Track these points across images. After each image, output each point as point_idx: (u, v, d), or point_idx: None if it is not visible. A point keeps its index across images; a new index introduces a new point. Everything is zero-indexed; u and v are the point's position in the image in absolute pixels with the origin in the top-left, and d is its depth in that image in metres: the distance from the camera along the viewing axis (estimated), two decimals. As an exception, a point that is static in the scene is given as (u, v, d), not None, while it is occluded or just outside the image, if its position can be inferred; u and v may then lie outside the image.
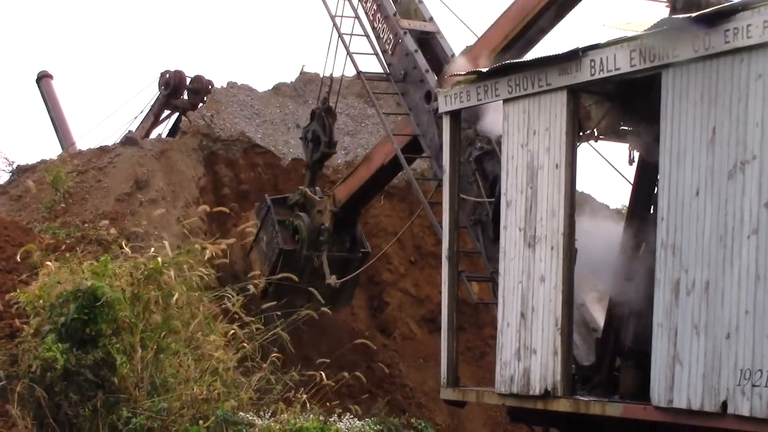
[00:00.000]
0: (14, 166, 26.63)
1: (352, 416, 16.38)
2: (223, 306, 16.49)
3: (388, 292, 25.74)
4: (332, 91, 20.59)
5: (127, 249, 16.04)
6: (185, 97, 29.35)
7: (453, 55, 18.65)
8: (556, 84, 12.99)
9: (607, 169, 14.96)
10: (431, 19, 19.45)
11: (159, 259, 15.15)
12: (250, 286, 18.07)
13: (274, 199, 21.97)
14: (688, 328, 11.29)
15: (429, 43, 19.06)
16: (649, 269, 12.26)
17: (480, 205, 16.19)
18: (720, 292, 11.04)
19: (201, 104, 27.93)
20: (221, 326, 16.00)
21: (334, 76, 20.35)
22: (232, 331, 16.01)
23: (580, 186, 13.63)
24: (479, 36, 17.22)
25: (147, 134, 29.03)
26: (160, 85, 29.58)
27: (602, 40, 12.54)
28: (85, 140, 31.90)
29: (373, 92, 19.22)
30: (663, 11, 13.08)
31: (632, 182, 13.68)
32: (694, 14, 11.32)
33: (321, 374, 16.63)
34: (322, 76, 20.92)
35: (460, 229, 15.24)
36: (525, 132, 13.40)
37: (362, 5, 20.01)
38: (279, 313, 17.25)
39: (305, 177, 21.60)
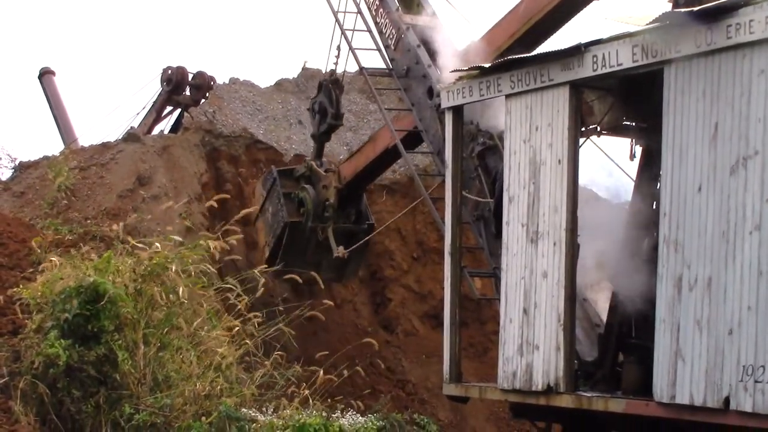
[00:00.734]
0: (17, 162, 26.63)
1: (354, 412, 16.38)
2: (226, 300, 16.48)
3: (391, 289, 25.74)
4: (339, 63, 20.52)
5: (136, 243, 16.02)
6: (187, 93, 29.29)
7: (455, 50, 18.64)
8: (559, 79, 12.97)
9: (609, 165, 14.95)
10: (434, 13, 19.43)
11: (161, 251, 15.15)
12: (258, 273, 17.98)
13: (281, 170, 22.05)
14: (691, 323, 11.28)
15: (432, 38, 19.03)
16: (651, 265, 12.25)
17: (482, 200, 16.18)
18: (722, 288, 11.02)
19: (203, 100, 27.89)
20: (224, 321, 16.00)
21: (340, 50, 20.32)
22: (236, 328, 16.01)
23: (582, 181, 13.61)
24: (484, 33, 17.17)
25: (149, 130, 28.99)
26: (162, 81, 29.52)
27: (604, 35, 12.53)
28: (87, 136, 31.83)
29: (375, 88, 19.21)
30: (665, 5, 13.06)
31: (635, 177, 13.67)
32: (695, 9, 11.30)
33: (320, 371, 16.61)
34: (328, 50, 20.91)
35: (462, 224, 15.23)
36: (527, 127, 13.39)
37: (364, 0, 20.00)
38: (281, 308, 17.25)
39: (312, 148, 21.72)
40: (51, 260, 15.45)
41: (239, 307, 16.35)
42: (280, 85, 28.05)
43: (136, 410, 14.20)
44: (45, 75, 33.33)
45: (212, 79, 28.77)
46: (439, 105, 16.08)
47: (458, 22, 19.40)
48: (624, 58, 12.16)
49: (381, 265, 25.80)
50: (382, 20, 19.28)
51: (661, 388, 11.58)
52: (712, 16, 11.11)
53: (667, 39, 11.59)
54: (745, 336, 10.77)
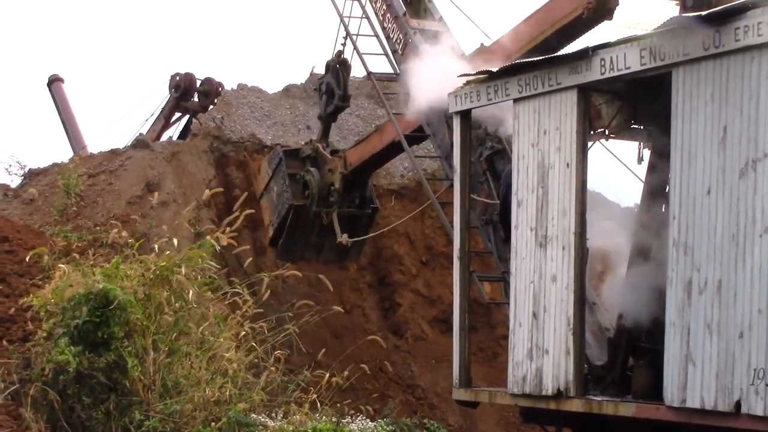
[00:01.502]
0: (26, 169, 26.69)
1: (364, 417, 16.37)
2: (234, 304, 16.47)
3: (400, 293, 25.75)
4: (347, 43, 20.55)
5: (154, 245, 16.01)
6: (196, 99, 29.37)
7: (462, 54, 18.63)
8: (567, 83, 12.96)
9: (618, 168, 14.94)
10: (441, 18, 19.43)
11: (168, 254, 15.17)
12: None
13: (287, 151, 22.09)
14: (701, 327, 11.26)
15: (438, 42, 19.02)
16: (660, 268, 12.24)
17: (491, 204, 16.19)
18: (732, 291, 11.00)
19: (211, 106, 27.94)
20: (232, 325, 16.00)
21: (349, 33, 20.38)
22: (244, 333, 16.01)
23: (591, 185, 13.60)
24: (496, 39, 17.11)
25: (158, 137, 29.05)
26: (170, 88, 29.60)
27: (612, 39, 12.52)
28: (96, 143, 31.94)
29: (383, 92, 19.21)
30: (673, 9, 13.06)
31: (643, 181, 13.66)
32: (704, 13, 11.29)
33: (326, 374, 16.58)
34: (337, 30, 20.96)
35: (471, 229, 15.22)
36: (535, 131, 13.38)
37: (372, 5, 20.01)
38: (291, 314, 17.24)
39: (318, 129, 21.77)
40: (60, 267, 15.46)
41: (245, 310, 16.33)
42: (288, 90, 28.08)
43: (146, 416, 14.20)
44: (54, 82, 33.40)
45: (220, 85, 28.83)
46: (447, 109, 16.07)
47: (466, 27, 19.42)
48: (632, 62, 12.15)
49: (390, 270, 25.82)
50: (389, 25, 19.30)
51: (671, 392, 11.56)
52: (721, 19, 11.10)
53: (675, 42, 11.58)
54: (756, 339, 10.74)
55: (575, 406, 12.82)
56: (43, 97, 34.98)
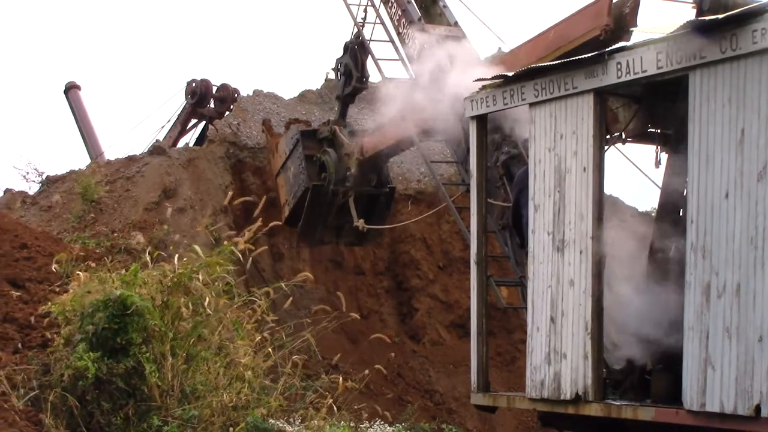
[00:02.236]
0: (44, 176, 26.79)
1: (382, 422, 16.38)
2: (252, 311, 16.50)
3: (417, 298, 25.76)
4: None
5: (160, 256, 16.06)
6: (212, 105, 29.44)
7: (479, 59, 18.63)
8: (583, 87, 12.94)
9: (634, 172, 14.91)
10: (456, 23, 19.44)
11: (186, 261, 15.19)
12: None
13: (304, 131, 22.15)
14: (720, 331, 11.23)
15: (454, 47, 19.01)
16: (679, 272, 12.21)
17: (508, 209, 16.17)
18: (751, 295, 10.97)
19: (227, 112, 28.01)
20: (249, 330, 16.01)
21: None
22: (260, 338, 16.02)
23: (608, 189, 13.60)
24: (510, 49, 17.08)
25: (174, 143, 29.13)
26: (186, 94, 29.68)
27: (628, 43, 12.50)
28: (113, 150, 32.02)
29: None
30: (689, 13, 13.04)
31: (660, 184, 13.63)
32: (720, 16, 11.27)
33: (340, 378, 16.57)
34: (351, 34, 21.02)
35: (488, 233, 15.21)
36: (552, 136, 13.37)
37: (386, 10, 20.04)
38: (309, 320, 17.25)
39: (336, 109, 21.83)
40: (78, 274, 15.51)
41: (262, 316, 16.35)
42: (303, 96, 28.15)
43: (165, 422, 14.22)
44: (71, 89, 33.52)
45: (236, 91, 28.90)
46: (463, 114, 16.07)
47: (481, 31, 19.42)
48: (648, 65, 12.13)
49: (407, 275, 25.83)
50: (405, 30, 19.31)
51: (690, 396, 11.53)
52: (737, 22, 11.08)
53: (692, 45, 11.56)
54: (775, 342, 10.71)
55: (594, 410, 12.80)
56: (60, 105, 35.12)
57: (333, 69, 21.54)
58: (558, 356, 13.12)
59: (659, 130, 14.17)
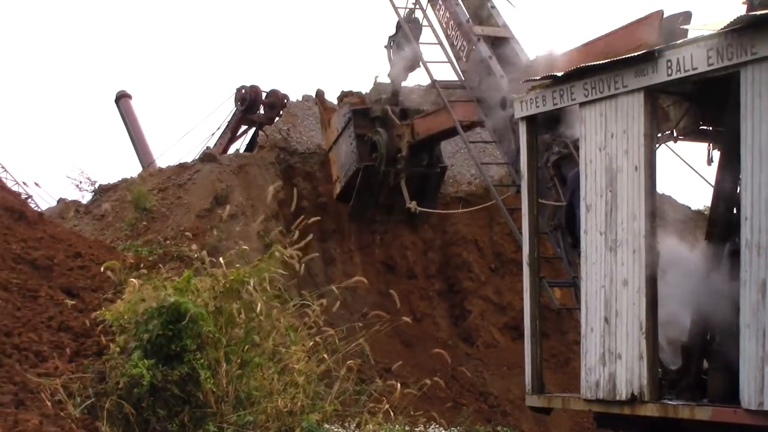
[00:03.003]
0: (96, 185, 27.02)
1: (437, 426, 16.34)
2: (304, 315, 16.53)
3: (470, 301, 25.70)
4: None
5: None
6: (261, 111, 29.59)
7: (527, 60, 18.56)
8: (633, 86, 12.86)
9: (687, 170, 14.80)
10: (504, 24, 19.38)
11: (237, 267, 15.24)
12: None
13: (356, 110, 22.23)
14: (777, 328, 11.11)
15: (503, 48, 18.98)
16: (733, 269, 12.09)
17: (559, 210, 16.10)
18: (808, 292, 10.84)
19: (277, 118, 28.13)
20: (303, 336, 16.03)
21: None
22: (311, 343, 16.03)
23: (660, 188, 13.52)
24: (564, 51, 16.98)
25: (225, 150, 29.30)
26: (236, 101, 29.85)
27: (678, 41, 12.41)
28: (164, 158, 32.29)
29: (448, 100, 19.18)
30: (740, 9, 12.91)
31: (713, 182, 13.51)
32: (772, 10, 11.15)
33: (398, 384, 16.56)
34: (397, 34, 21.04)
35: (540, 234, 15.15)
36: (602, 135, 13.29)
37: (435, 13, 20.02)
38: (361, 324, 17.26)
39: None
40: (132, 281, 15.61)
41: (315, 320, 16.36)
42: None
43: (220, 428, 14.28)
44: (122, 98, 33.83)
45: (285, 97, 29.02)
46: (513, 115, 16.02)
47: (529, 32, 19.36)
48: (699, 62, 12.02)
49: (459, 278, 25.78)
50: (453, 32, 19.28)
51: (748, 395, 11.41)
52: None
53: (743, 41, 11.45)
54: (833, 340, 10.58)
55: (650, 410, 12.70)
56: (111, 114, 35.45)
57: (385, 47, 21.52)
58: (613, 357, 13.03)
59: (711, 128, 14.04)
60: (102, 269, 16.90)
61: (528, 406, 15.17)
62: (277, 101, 29.12)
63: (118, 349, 14.77)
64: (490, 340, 25.49)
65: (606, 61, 13.28)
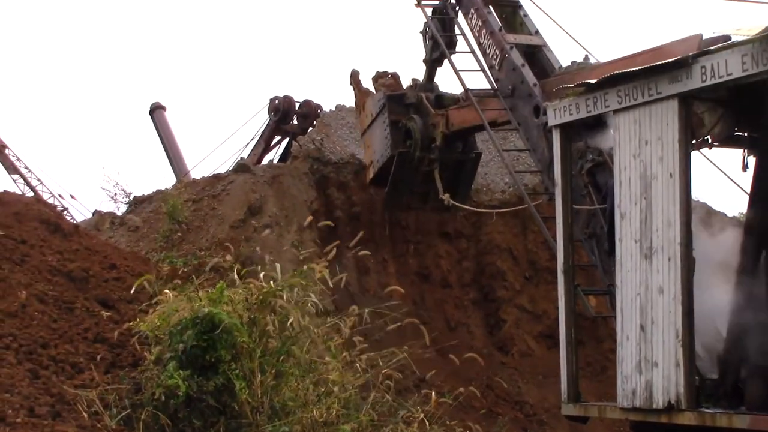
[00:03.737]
0: (131, 197, 27.14)
1: (473, 435, 16.27)
2: (341, 331, 16.50)
3: (505, 309, 25.62)
4: None
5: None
6: (295, 121, 29.64)
7: (560, 68, 18.52)
8: (667, 92, 12.81)
9: (721, 177, 14.71)
10: (537, 32, 19.35)
11: (272, 283, 15.25)
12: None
13: (390, 96, 22.25)
14: (814, 335, 11.03)
15: (536, 56, 18.95)
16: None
17: (594, 217, 16.03)
18: None
19: (310, 128, 28.16)
20: (338, 347, 16.00)
21: None
22: (345, 353, 16.00)
23: (695, 194, 13.45)
24: (601, 62, 16.89)
25: (259, 160, 29.36)
26: (269, 111, 29.92)
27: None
28: (198, 169, 32.42)
29: (481, 109, 19.13)
30: (775, 13, 12.83)
31: (749, 189, 13.42)
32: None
33: (432, 393, 16.49)
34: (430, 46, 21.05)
35: (574, 242, 15.10)
36: (637, 142, 13.24)
37: (467, 21, 20.01)
38: (395, 333, 17.21)
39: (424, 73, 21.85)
40: (166, 293, 15.64)
41: (351, 334, 16.33)
42: (386, 109, 28.08)
43: (256, 438, 14.29)
44: (156, 110, 34.00)
45: (319, 106, 29.05)
46: (546, 123, 15.97)
47: (563, 40, 19.30)
48: (733, 68, 11.96)
49: (493, 287, 25.71)
50: (485, 41, 19.26)
51: (786, 403, 11.33)
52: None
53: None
54: None
55: (687, 419, 12.62)
56: (145, 125, 35.66)
57: (420, 32, 21.47)
58: (649, 365, 12.97)
59: (746, 134, 13.96)
60: (135, 284, 16.96)
61: (564, 415, 15.12)
62: (310, 111, 29.15)
63: (153, 360, 14.81)
64: (525, 349, 25.40)
65: (640, 68, 13.23)
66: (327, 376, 15.36)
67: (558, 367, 14.95)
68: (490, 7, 19.75)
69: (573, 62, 18.31)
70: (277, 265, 15.89)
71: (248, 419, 14.42)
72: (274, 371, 14.79)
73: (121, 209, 27.52)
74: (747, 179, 13.53)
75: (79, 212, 43.09)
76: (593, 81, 14.03)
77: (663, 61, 12.84)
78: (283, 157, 29.02)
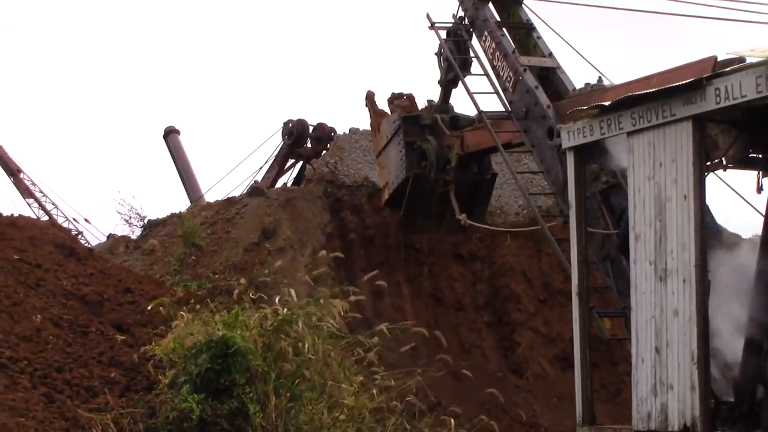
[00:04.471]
0: (146, 220, 27.18)
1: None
2: (356, 354, 16.48)
3: (519, 332, 25.54)
4: None
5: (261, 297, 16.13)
6: (308, 145, 29.68)
7: (574, 90, 18.53)
8: (681, 114, 12.80)
9: (736, 199, 14.67)
10: (551, 54, 19.38)
11: (285, 311, 15.24)
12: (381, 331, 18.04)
13: (406, 117, 22.24)
14: (831, 357, 10.97)
15: (549, 78, 18.97)
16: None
17: (608, 239, 16.01)
18: None
19: (324, 151, 28.18)
20: (355, 373, 15.97)
21: None
22: (360, 378, 15.98)
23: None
24: (615, 84, 16.88)
25: (272, 184, 29.40)
26: (283, 135, 29.97)
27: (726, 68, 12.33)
28: (212, 192, 32.47)
29: (495, 131, 19.13)
30: (788, 35, 12.82)
31: (764, 210, 13.38)
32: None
33: (452, 420, 16.46)
34: (444, 69, 21.05)
35: (589, 264, 15.07)
36: (651, 164, 13.22)
37: (480, 44, 20.04)
38: (414, 361, 17.19)
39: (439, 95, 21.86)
40: (181, 316, 15.67)
41: (367, 358, 16.31)
42: (400, 132, 28.09)
43: (270, 462, 14.27)
44: (170, 134, 34.10)
45: (332, 130, 29.09)
46: (560, 145, 15.97)
47: (577, 63, 19.31)
48: (747, 90, 11.95)
49: (508, 309, 25.63)
50: (499, 63, 19.29)
51: (802, 426, 11.27)
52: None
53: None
54: None
55: (703, 441, 12.56)
56: (160, 149, 35.75)
57: (435, 54, 21.44)
58: (664, 387, 12.92)
59: (761, 155, 13.93)
60: (150, 307, 16.99)
61: (579, 438, 15.05)
62: (324, 134, 29.19)
63: (167, 383, 14.81)
64: (539, 372, 25.31)
65: (654, 90, 13.23)
66: (342, 401, 15.34)
67: (573, 390, 14.91)
68: (504, 29, 19.79)
69: (587, 84, 18.31)
70: (292, 291, 15.90)
71: (263, 443, 14.41)
72: (288, 395, 14.78)
73: (135, 233, 27.56)
74: (762, 201, 13.51)
75: (93, 236, 43.11)
76: (607, 103, 14.02)
77: (677, 83, 12.83)
78: (297, 181, 29.05)
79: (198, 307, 16.52)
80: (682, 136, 12.81)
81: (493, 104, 19.44)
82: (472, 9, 20.31)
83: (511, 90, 18.78)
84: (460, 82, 20.99)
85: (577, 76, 20.01)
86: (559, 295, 25.50)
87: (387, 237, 24.58)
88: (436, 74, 21.57)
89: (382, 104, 23.85)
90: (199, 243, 23.15)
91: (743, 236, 25.40)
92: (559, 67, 19.13)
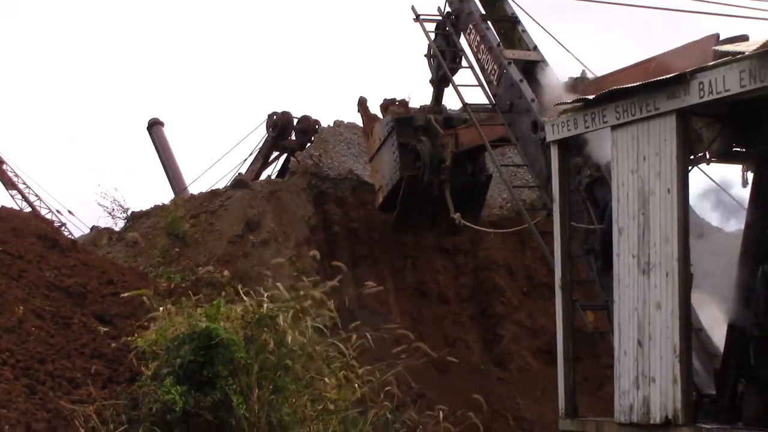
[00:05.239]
0: (129, 212, 27.14)
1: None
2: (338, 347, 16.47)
3: (502, 325, 25.60)
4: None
5: (244, 291, 16.11)
6: (293, 137, 29.68)
7: (558, 83, 18.52)
8: (665, 108, 12.81)
9: (720, 193, 14.70)
10: (535, 48, 19.37)
11: (266, 305, 15.20)
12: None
13: (399, 119, 22.13)
14: (812, 351, 11.01)
15: (534, 72, 18.96)
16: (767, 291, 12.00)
17: (592, 233, 16.03)
18: (844, 313, 10.75)
19: (309, 144, 28.18)
20: (338, 368, 15.95)
21: None
22: (342, 372, 15.96)
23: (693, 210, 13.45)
24: (598, 75, 16.90)
25: (256, 176, 29.39)
26: (267, 127, 29.96)
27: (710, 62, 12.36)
28: (196, 184, 32.44)
29: (480, 124, 19.13)
30: (772, 29, 12.86)
31: (747, 204, 13.42)
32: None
33: (440, 412, 16.47)
34: (430, 61, 21.00)
35: (572, 258, 15.09)
36: (634, 158, 13.24)
37: (465, 37, 20.02)
38: (401, 353, 17.17)
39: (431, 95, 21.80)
40: (164, 308, 15.65)
41: (347, 350, 16.30)
42: (385, 124, 28.06)
43: (253, 454, 14.27)
44: (154, 126, 34.04)
45: (317, 122, 29.09)
46: (544, 139, 15.98)
47: (561, 55, 19.31)
48: (731, 84, 11.96)
49: (491, 302, 25.69)
50: (484, 56, 19.26)
51: (784, 419, 11.31)
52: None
53: (775, 62, 11.38)
54: None
55: (685, 434, 12.60)
56: (143, 141, 35.69)
57: (425, 55, 21.34)
58: (646, 380, 12.95)
59: (744, 149, 13.97)
60: (132, 297, 16.95)
61: (561, 431, 15.08)
62: (308, 127, 29.19)
63: (150, 375, 14.79)
64: (523, 365, 25.37)
65: (637, 84, 13.24)
66: (325, 393, 15.34)
67: (556, 383, 14.94)
68: (489, 23, 19.78)
69: (570, 78, 18.32)
70: (279, 285, 15.87)
71: (246, 435, 14.41)
72: (271, 387, 14.77)
73: (119, 225, 27.52)
74: (746, 195, 13.54)
75: (76, 228, 43.07)
76: (591, 97, 14.04)
77: (661, 77, 12.84)
78: (281, 173, 29.04)
79: (182, 299, 16.50)
80: (666, 129, 12.83)
81: (482, 98, 19.42)
82: (457, 2, 20.29)
83: (495, 83, 18.77)
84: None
85: (562, 70, 20.03)
86: (543, 288, 25.56)
87: (371, 230, 24.61)
88: (428, 74, 21.51)
89: (375, 109, 23.78)
90: (183, 235, 23.13)
91: (726, 230, 25.50)
92: (543, 60, 19.13)
